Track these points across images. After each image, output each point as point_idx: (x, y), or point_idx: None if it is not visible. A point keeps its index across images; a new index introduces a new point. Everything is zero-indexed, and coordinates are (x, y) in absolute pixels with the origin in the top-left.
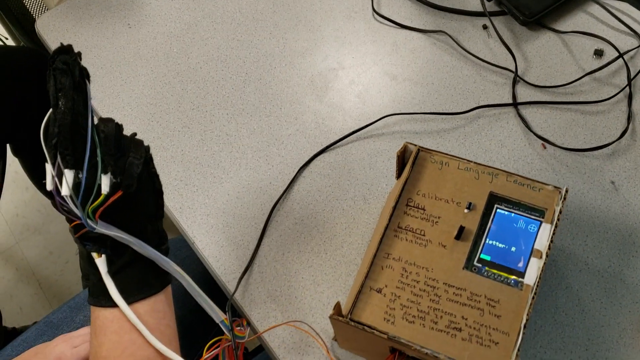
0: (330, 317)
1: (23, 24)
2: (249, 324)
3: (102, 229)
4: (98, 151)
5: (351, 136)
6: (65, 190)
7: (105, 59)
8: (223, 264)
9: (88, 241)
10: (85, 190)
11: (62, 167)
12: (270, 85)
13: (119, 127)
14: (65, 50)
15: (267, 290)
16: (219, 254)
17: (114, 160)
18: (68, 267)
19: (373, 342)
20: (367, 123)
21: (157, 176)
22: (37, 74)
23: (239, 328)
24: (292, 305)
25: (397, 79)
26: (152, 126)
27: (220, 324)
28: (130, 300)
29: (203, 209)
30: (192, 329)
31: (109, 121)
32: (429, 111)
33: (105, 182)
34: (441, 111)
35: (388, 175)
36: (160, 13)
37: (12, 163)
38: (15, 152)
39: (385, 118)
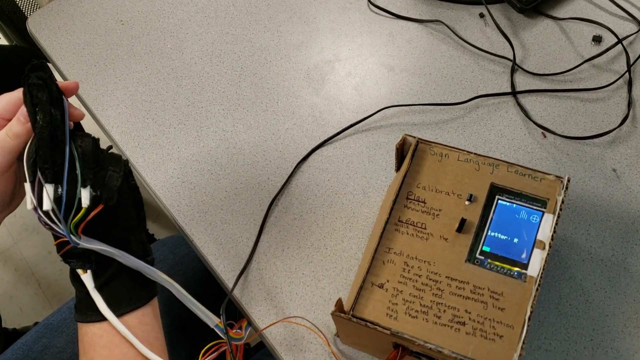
0: (332, 314)
1: (15, 22)
2: (250, 324)
3: (86, 243)
4: (77, 164)
5: (349, 129)
6: (46, 205)
7: (98, 57)
8: (222, 261)
9: (72, 258)
10: (66, 205)
11: (42, 181)
12: (266, 80)
13: (96, 142)
14: (40, 67)
15: (267, 287)
16: (218, 252)
17: (93, 174)
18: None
19: (376, 338)
20: (365, 116)
21: (137, 188)
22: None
23: (236, 330)
24: (293, 302)
25: (394, 70)
26: (147, 123)
27: (215, 329)
28: (118, 313)
29: (201, 206)
30: (193, 327)
31: (85, 136)
32: (427, 102)
33: (85, 196)
34: (439, 102)
35: (387, 168)
36: (153, 9)
37: None
38: None
39: (383, 110)
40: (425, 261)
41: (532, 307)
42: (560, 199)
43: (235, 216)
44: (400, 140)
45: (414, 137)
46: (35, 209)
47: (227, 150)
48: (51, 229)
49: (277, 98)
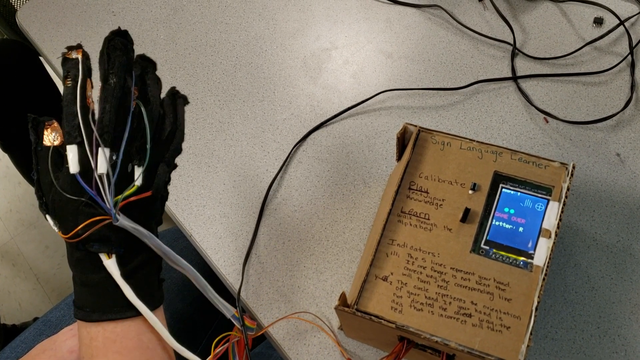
0: (336, 308)
1: (4, 15)
2: (252, 318)
3: (124, 222)
4: (148, 138)
5: (348, 118)
6: (102, 168)
7: (90, 49)
8: (222, 255)
9: (95, 242)
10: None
11: (100, 144)
12: (262, 69)
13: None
14: (123, 34)
15: (269, 281)
16: (218, 246)
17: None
18: (65, 260)
19: (381, 332)
20: (363, 99)
21: (169, 184)
22: (23, 67)
23: (249, 320)
24: (295, 295)
25: (393, 56)
26: None
27: (232, 319)
28: (151, 307)
29: (199, 199)
30: (193, 320)
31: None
32: (425, 87)
33: (138, 174)
34: (439, 87)
35: (388, 157)
36: None
37: (2, 158)
38: (5, 148)
39: (382, 97)
40: (429, 252)
41: (539, 297)
42: (565, 186)
43: (234, 209)
44: (401, 130)
45: (415, 126)
46: (78, 174)
47: (224, 142)
48: (87, 197)
49: (273, 88)
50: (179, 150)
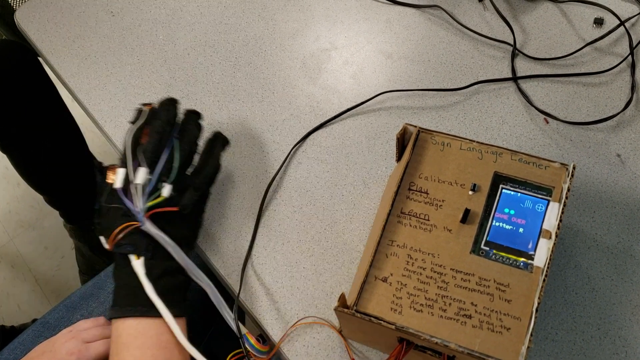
0: (335, 309)
1: (2, 15)
2: (254, 321)
3: (149, 227)
4: (176, 163)
5: (348, 119)
6: (139, 180)
7: (89, 50)
8: (221, 257)
9: (126, 243)
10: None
11: (141, 163)
12: (261, 70)
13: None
14: (174, 101)
15: (268, 282)
16: (217, 247)
17: (179, 179)
18: (64, 262)
19: (380, 333)
20: (363, 100)
21: (203, 213)
22: (22, 68)
23: (261, 344)
24: (294, 296)
25: (392, 57)
26: None
27: (242, 338)
28: (173, 311)
29: None
30: (193, 321)
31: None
32: (425, 88)
33: (167, 189)
34: (438, 88)
35: (387, 157)
36: None
37: (2, 159)
38: (4, 149)
39: (382, 97)
40: (429, 253)
41: (539, 298)
42: (565, 187)
43: (234, 210)
44: (401, 130)
45: (415, 127)
46: (118, 189)
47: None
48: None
49: (273, 88)
50: (209, 180)
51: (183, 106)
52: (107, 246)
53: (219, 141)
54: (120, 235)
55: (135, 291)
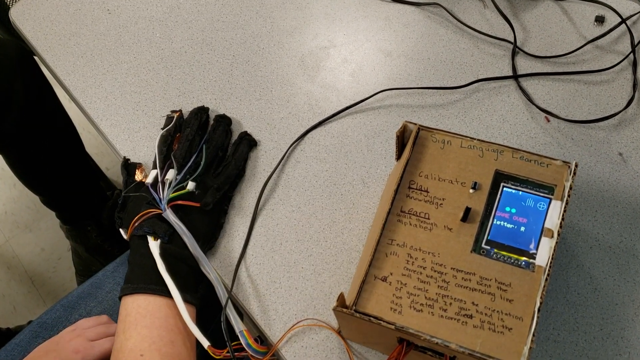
0: (334, 309)
1: None
2: (250, 319)
3: (169, 214)
4: (202, 163)
5: (347, 117)
6: (170, 176)
7: (85, 47)
8: (218, 256)
9: (145, 226)
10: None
11: (174, 164)
12: (259, 67)
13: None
14: (205, 109)
15: (266, 282)
16: (214, 247)
17: (202, 179)
18: (61, 263)
19: (380, 333)
20: (362, 99)
21: (226, 213)
22: (18, 67)
23: (259, 344)
24: (293, 297)
25: (392, 55)
26: (137, 115)
27: (239, 334)
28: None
29: None
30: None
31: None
32: (425, 86)
33: (190, 185)
34: (438, 86)
35: (387, 156)
36: None
37: None
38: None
39: (381, 96)
40: (429, 252)
41: (541, 298)
42: (568, 185)
43: (230, 209)
44: (401, 128)
45: (415, 124)
46: (150, 184)
47: None
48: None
49: (271, 86)
50: (230, 180)
51: (183, 106)
52: (126, 237)
53: (245, 142)
54: (142, 219)
55: (149, 271)
